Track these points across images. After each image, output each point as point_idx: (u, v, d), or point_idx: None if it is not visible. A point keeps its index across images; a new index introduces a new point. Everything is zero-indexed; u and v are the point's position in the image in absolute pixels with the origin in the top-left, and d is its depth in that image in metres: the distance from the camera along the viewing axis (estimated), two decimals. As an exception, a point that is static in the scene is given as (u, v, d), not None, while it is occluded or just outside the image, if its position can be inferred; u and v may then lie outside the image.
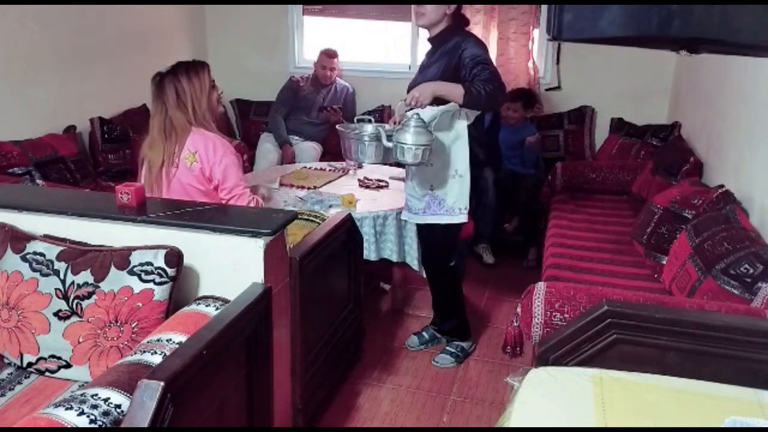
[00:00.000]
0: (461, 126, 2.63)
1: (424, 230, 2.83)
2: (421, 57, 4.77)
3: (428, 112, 2.51)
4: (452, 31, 2.64)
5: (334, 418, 2.52)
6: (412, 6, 2.71)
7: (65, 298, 1.82)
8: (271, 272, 1.94)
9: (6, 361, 1.91)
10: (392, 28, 5.06)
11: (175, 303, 1.86)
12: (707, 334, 1.79)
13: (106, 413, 1.37)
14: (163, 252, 1.82)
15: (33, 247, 1.90)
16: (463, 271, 3.17)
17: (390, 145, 2.53)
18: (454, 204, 2.69)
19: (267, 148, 4.58)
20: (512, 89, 4.31)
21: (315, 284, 2.28)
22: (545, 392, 1.71)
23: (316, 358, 2.37)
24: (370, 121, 2.78)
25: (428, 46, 2.77)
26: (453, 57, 2.57)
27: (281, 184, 3.51)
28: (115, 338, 1.78)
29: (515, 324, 2.19)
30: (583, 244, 3.12)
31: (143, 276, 1.80)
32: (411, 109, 2.52)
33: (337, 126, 2.84)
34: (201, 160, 2.36)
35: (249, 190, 2.53)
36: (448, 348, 2.96)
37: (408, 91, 2.74)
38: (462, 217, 2.71)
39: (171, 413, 1.37)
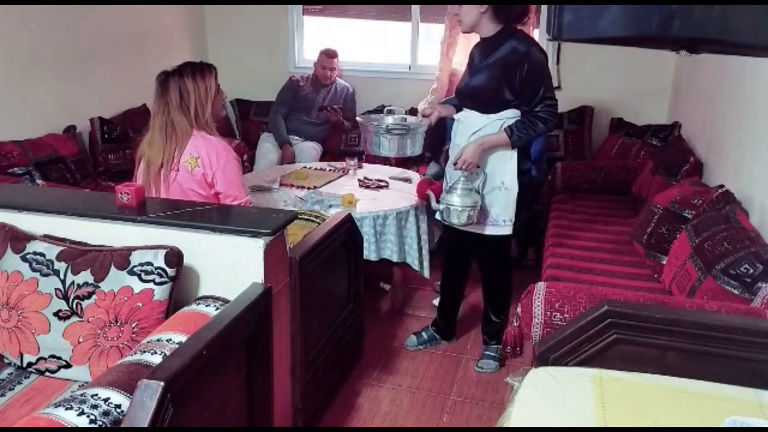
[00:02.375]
0: None
1: (478, 242, 2.74)
2: (421, 57, 4.88)
3: (476, 179, 2.57)
4: (507, 36, 2.52)
5: (334, 418, 2.52)
6: (452, 13, 2.67)
7: (65, 298, 1.82)
8: (271, 272, 1.94)
9: (6, 361, 1.91)
10: (392, 28, 5.06)
11: (175, 303, 1.86)
12: (707, 334, 1.79)
13: (106, 413, 1.37)
14: (163, 252, 1.82)
15: (33, 247, 1.90)
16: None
17: (441, 207, 2.57)
18: (498, 216, 2.63)
19: (267, 148, 4.58)
20: None
21: (315, 284, 2.28)
22: (545, 392, 1.71)
23: (316, 358, 2.37)
24: (391, 112, 2.76)
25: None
26: (508, 66, 2.47)
27: (281, 184, 3.51)
28: (115, 338, 1.78)
29: (515, 324, 2.19)
30: (583, 244, 3.12)
31: (143, 276, 1.80)
32: (463, 168, 2.53)
33: (357, 117, 2.80)
34: (203, 165, 2.34)
35: (249, 198, 2.52)
36: (488, 352, 2.91)
37: (456, 93, 2.71)
38: (507, 229, 2.65)
39: (171, 413, 1.37)
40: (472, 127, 2.58)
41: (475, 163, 2.51)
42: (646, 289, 2.50)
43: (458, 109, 2.71)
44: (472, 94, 2.60)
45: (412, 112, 4.65)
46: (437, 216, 2.86)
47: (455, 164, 2.51)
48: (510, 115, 2.55)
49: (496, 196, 2.63)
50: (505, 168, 2.60)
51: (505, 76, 2.48)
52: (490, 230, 2.67)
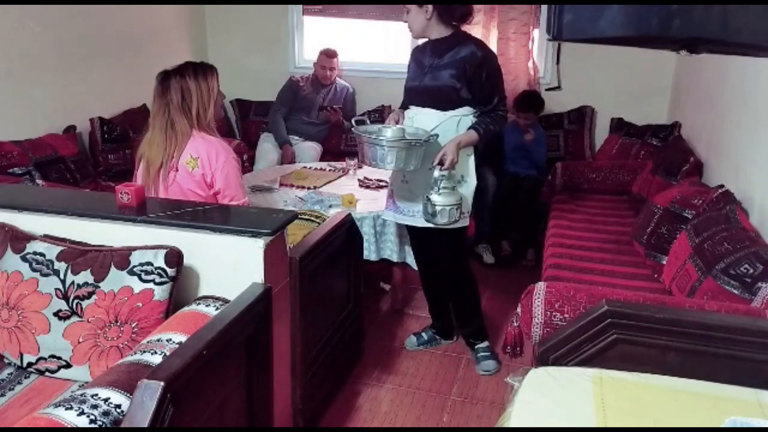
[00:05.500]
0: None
1: (439, 235, 2.74)
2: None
3: (454, 177, 2.59)
4: (460, 38, 2.61)
5: (334, 418, 2.52)
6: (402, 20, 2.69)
7: (65, 298, 1.82)
8: (271, 272, 1.94)
9: (6, 361, 1.91)
10: (392, 28, 5.06)
11: (175, 303, 1.86)
12: (707, 334, 1.79)
13: (106, 413, 1.37)
14: (163, 252, 1.82)
15: (33, 247, 1.90)
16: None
17: (430, 210, 2.56)
18: None
19: (267, 148, 4.58)
20: (521, 96, 4.29)
21: (315, 284, 2.28)
22: (545, 392, 1.71)
23: (316, 358, 2.37)
24: (364, 122, 2.73)
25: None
26: (471, 67, 2.54)
27: (281, 184, 3.51)
28: (115, 338, 1.78)
29: (515, 324, 2.19)
30: (583, 244, 3.12)
31: (143, 276, 1.80)
32: (441, 165, 2.53)
33: (353, 129, 2.65)
34: (203, 165, 2.34)
35: (248, 199, 2.52)
36: (482, 354, 2.90)
37: (408, 91, 2.74)
38: (464, 221, 2.68)
39: (171, 413, 1.37)
40: (429, 125, 2.61)
41: (455, 159, 2.54)
42: (646, 289, 2.50)
43: (404, 107, 2.75)
44: (430, 92, 2.64)
45: None
46: (387, 216, 2.87)
47: (441, 165, 2.52)
48: (465, 112, 2.62)
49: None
50: (466, 163, 2.65)
51: (465, 76, 2.56)
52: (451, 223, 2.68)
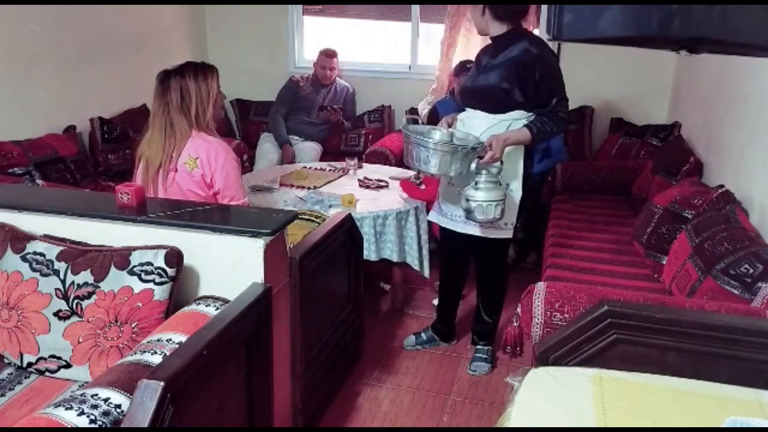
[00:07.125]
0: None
1: (476, 246, 2.72)
2: (421, 57, 4.87)
3: (494, 168, 2.45)
4: (515, 36, 2.51)
5: (334, 418, 2.52)
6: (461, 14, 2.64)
7: (65, 298, 1.82)
8: (271, 272, 1.94)
9: (6, 361, 1.91)
10: (392, 28, 5.06)
11: (175, 303, 1.86)
12: (707, 334, 1.79)
13: (106, 413, 1.37)
14: (163, 252, 1.82)
15: (33, 247, 1.90)
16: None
17: (472, 206, 2.42)
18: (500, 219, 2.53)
19: (267, 148, 4.58)
20: None
21: (315, 284, 2.28)
22: (545, 392, 1.71)
23: (316, 358, 2.37)
24: (418, 121, 2.65)
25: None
26: (521, 67, 2.44)
27: (281, 184, 3.51)
28: (115, 338, 1.78)
29: (515, 324, 2.19)
30: (583, 244, 3.12)
31: (143, 276, 1.80)
32: (480, 159, 2.41)
33: (402, 128, 2.55)
34: (203, 165, 2.33)
35: (247, 199, 2.52)
36: (479, 354, 2.89)
37: (461, 92, 2.69)
38: (508, 233, 2.61)
39: (171, 413, 1.37)
40: (478, 129, 2.53)
41: (501, 156, 2.42)
42: (646, 289, 2.50)
43: (460, 109, 2.70)
44: (479, 94, 2.57)
45: (412, 111, 4.66)
46: (431, 217, 2.84)
47: (480, 159, 2.40)
48: (516, 116, 2.51)
49: None
50: (514, 170, 2.56)
51: (517, 77, 2.46)
52: (491, 233, 2.63)
